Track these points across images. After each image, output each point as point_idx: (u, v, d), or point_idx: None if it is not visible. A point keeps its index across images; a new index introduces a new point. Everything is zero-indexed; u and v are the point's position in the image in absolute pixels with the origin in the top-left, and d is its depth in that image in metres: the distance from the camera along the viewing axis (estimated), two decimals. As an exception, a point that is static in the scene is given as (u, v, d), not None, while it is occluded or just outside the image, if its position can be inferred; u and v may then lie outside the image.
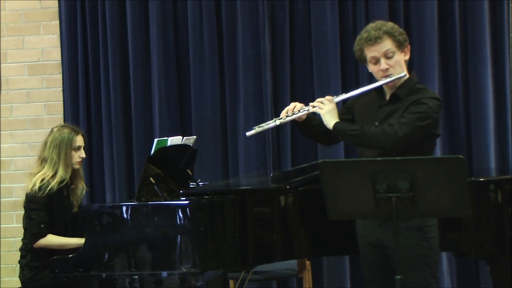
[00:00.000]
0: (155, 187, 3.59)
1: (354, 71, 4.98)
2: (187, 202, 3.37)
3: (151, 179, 3.59)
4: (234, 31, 5.06)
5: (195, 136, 4.26)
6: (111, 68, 5.14)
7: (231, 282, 4.40)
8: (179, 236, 3.32)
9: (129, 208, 3.39)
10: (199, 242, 3.33)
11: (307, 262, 4.42)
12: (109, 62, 5.15)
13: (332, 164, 2.99)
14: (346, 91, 3.47)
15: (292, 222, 3.52)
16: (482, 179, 3.73)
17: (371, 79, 5.01)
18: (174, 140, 3.99)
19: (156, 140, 4.02)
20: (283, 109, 4.89)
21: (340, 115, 3.40)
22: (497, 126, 4.89)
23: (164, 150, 3.87)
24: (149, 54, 5.13)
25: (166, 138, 4.03)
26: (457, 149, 4.90)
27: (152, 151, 3.90)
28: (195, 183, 4.00)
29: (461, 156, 2.80)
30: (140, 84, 5.14)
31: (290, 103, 4.89)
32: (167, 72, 5.10)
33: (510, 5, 4.89)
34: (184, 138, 4.06)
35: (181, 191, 3.61)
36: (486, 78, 4.86)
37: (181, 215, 3.34)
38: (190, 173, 4.05)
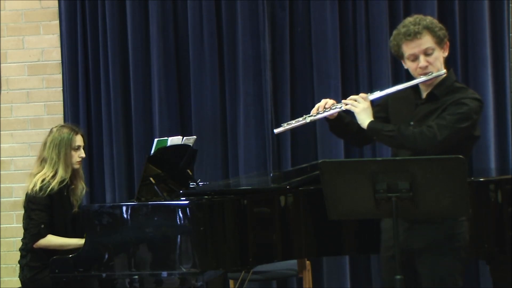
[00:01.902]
0: (155, 187, 3.58)
1: (354, 71, 4.98)
2: (187, 202, 3.37)
3: (151, 179, 3.59)
4: (234, 31, 5.06)
5: (195, 136, 4.27)
6: (111, 68, 5.14)
7: (231, 282, 4.40)
8: (179, 236, 3.32)
9: (129, 208, 3.39)
10: (199, 242, 3.33)
11: (307, 262, 4.42)
12: (109, 62, 5.14)
13: (332, 164, 2.98)
14: (381, 89, 3.33)
15: (292, 222, 3.52)
16: (482, 179, 3.73)
17: (371, 79, 5.02)
18: (174, 140, 3.99)
19: (156, 140, 4.03)
20: (283, 109, 4.97)
21: (375, 113, 3.25)
22: (497, 126, 4.88)
23: (164, 150, 3.87)
24: (149, 54, 5.13)
25: (166, 138, 4.04)
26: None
27: (152, 151, 3.90)
28: (195, 183, 4.00)
29: (461, 156, 2.78)
30: (140, 84, 5.14)
31: (290, 103, 4.97)
32: (167, 72, 5.10)
33: (510, 5, 4.89)
34: (184, 138, 4.06)
35: (181, 191, 3.61)
36: (486, 78, 4.85)
37: (181, 215, 3.34)
38: (190, 173, 4.05)
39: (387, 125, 3.19)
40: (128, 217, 3.38)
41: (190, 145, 4.06)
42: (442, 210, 2.90)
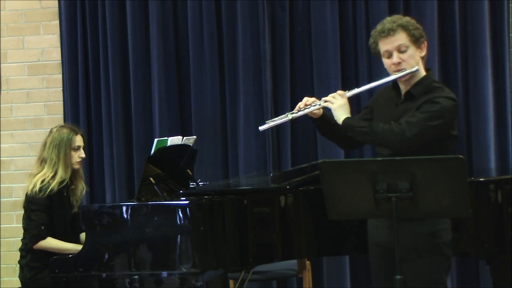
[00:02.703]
0: (155, 187, 3.58)
1: (354, 71, 4.98)
2: (187, 202, 3.37)
3: (151, 179, 3.59)
4: (234, 31, 5.06)
5: (195, 136, 4.26)
6: (111, 68, 5.14)
7: (231, 282, 4.40)
8: (179, 236, 3.32)
9: (129, 208, 3.39)
10: (199, 242, 3.33)
11: (307, 262, 4.42)
12: (109, 62, 5.15)
13: (332, 164, 2.98)
14: (358, 86, 3.42)
15: (292, 222, 3.52)
16: (482, 179, 3.73)
17: (371, 79, 5.01)
18: (174, 140, 3.99)
19: (156, 140, 4.02)
20: (283, 109, 4.96)
21: (362, 115, 3.36)
22: (497, 126, 4.88)
23: (164, 150, 3.87)
24: (149, 54, 5.13)
25: (166, 138, 4.03)
26: (457, 149, 4.89)
27: (152, 151, 3.90)
28: (195, 183, 4.00)
29: (461, 156, 2.79)
30: (140, 84, 5.14)
31: (290, 103, 4.97)
32: (167, 72, 5.10)
33: (510, 5, 4.89)
34: (184, 138, 4.06)
35: (181, 191, 3.61)
36: (486, 78, 4.85)
37: (181, 215, 3.34)
38: (190, 173, 4.05)
39: (361, 122, 3.24)
40: (128, 217, 3.38)
41: (190, 145, 4.06)
42: (442, 210, 2.90)
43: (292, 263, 4.35)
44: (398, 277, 2.82)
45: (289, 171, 4.52)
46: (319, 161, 3.05)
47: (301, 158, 4.98)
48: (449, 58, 4.94)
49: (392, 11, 4.88)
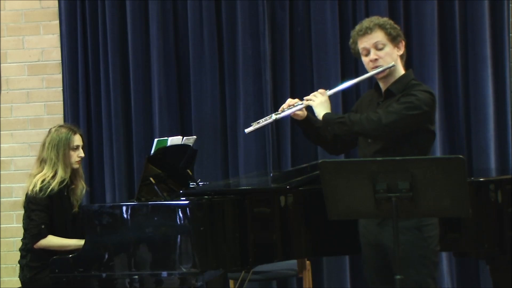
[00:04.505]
0: (155, 187, 3.59)
1: (354, 71, 4.97)
2: (187, 202, 3.37)
3: (151, 179, 3.59)
4: (234, 31, 5.06)
5: (195, 136, 4.26)
6: (111, 68, 5.14)
7: (231, 282, 4.40)
8: (179, 236, 3.32)
9: (129, 208, 3.39)
10: (199, 242, 3.33)
11: (307, 262, 4.42)
12: (109, 62, 5.15)
13: (332, 164, 2.98)
14: (338, 84, 3.51)
15: (292, 222, 3.52)
16: (482, 179, 3.73)
17: (371, 79, 5.02)
18: (174, 140, 3.99)
19: (156, 140, 4.02)
20: (283, 109, 4.96)
21: None
22: (497, 126, 4.88)
23: (164, 150, 3.87)
24: (149, 54, 5.13)
25: (166, 138, 4.03)
26: (457, 149, 4.90)
27: (152, 151, 3.90)
28: (195, 183, 4.00)
29: (461, 156, 2.80)
30: (140, 84, 5.14)
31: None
32: (167, 72, 5.10)
33: (510, 5, 4.89)
34: (184, 138, 4.06)
35: (181, 191, 3.61)
36: (486, 78, 4.85)
37: (181, 215, 3.34)
38: (190, 173, 4.05)
39: (339, 114, 3.37)
40: (128, 217, 3.38)
41: (190, 145, 4.06)
42: (442, 210, 2.90)
43: (292, 263, 4.35)
44: (398, 277, 2.82)
45: (289, 171, 4.52)
46: (319, 161, 3.05)
47: (301, 158, 4.98)
48: (449, 58, 4.94)
49: (392, 11, 4.89)
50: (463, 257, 4.65)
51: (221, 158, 5.10)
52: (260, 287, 5.06)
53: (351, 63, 4.97)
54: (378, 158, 2.99)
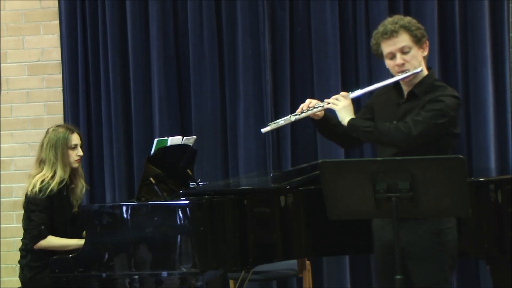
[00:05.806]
0: (155, 187, 3.59)
1: (354, 71, 4.98)
2: (187, 202, 3.37)
3: (151, 179, 3.59)
4: (234, 31, 5.06)
5: (195, 136, 4.27)
6: (111, 68, 5.14)
7: (231, 282, 4.40)
8: (179, 236, 3.32)
9: (129, 208, 3.40)
10: (199, 242, 3.33)
11: (307, 262, 4.42)
12: (109, 62, 5.14)
13: (332, 164, 2.98)
14: (362, 87, 3.43)
15: (292, 222, 3.52)
16: (482, 179, 3.74)
17: (371, 79, 5.02)
18: (174, 140, 3.99)
19: (156, 140, 4.03)
20: (283, 109, 4.96)
21: (361, 114, 3.37)
22: (497, 126, 4.88)
23: (164, 150, 3.87)
24: (149, 54, 5.13)
25: (166, 138, 4.04)
26: (457, 149, 4.88)
27: (152, 151, 3.90)
28: (195, 183, 4.00)
29: (461, 156, 2.79)
30: (140, 84, 5.14)
31: (290, 103, 4.97)
32: (167, 72, 5.10)
33: (510, 5, 4.89)
34: (184, 138, 4.06)
35: (181, 191, 3.61)
36: (486, 78, 4.85)
37: (181, 215, 3.34)
38: (190, 173, 4.05)
39: (365, 122, 3.26)
40: (128, 217, 3.38)
41: (190, 145, 4.06)
42: (442, 210, 2.90)
43: (292, 263, 4.35)
44: (398, 277, 2.82)
45: (289, 171, 4.52)
46: (319, 161, 3.05)
47: (301, 158, 4.98)
48: (449, 58, 4.94)
49: (392, 11, 4.88)
50: (463, 257, 4.64)
51: (221, 158, 5.09)
52: (260, 287, 5.06)
53: (351, 63, 4.97)
54: (378, 158, 2.99)
